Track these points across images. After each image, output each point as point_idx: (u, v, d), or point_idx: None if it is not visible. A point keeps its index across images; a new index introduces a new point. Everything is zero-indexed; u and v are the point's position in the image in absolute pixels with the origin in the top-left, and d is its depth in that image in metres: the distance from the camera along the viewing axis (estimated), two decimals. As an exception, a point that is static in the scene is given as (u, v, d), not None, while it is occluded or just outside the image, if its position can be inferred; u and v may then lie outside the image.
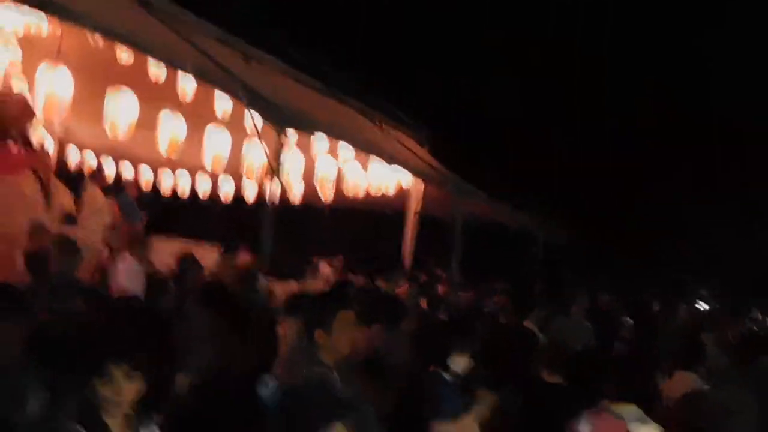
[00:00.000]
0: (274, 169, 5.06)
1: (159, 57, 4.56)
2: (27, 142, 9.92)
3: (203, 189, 12.53)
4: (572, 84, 14.59)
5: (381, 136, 8.21)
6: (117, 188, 10.24)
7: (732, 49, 15.31)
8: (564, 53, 14.67)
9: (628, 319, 8.20)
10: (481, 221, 11.08)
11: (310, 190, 10.48)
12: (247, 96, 4.79)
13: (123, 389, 2.10)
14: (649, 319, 8.67)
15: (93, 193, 9.11)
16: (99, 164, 11.66)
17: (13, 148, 9.67)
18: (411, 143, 10.10)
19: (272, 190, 5.12)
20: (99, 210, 8.89)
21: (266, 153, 5.09)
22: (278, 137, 5.10)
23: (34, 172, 8.66)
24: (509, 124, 14.61)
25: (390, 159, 7.76)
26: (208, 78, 4.81)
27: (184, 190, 12.71)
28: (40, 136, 12.09)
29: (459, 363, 3.85)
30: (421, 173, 8.37)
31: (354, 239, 12.44)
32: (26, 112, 9.38)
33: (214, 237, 10.53)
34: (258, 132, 4.99)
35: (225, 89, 4.89)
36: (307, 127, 5.42)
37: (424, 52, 14.26)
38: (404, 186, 10.57)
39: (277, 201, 5.08)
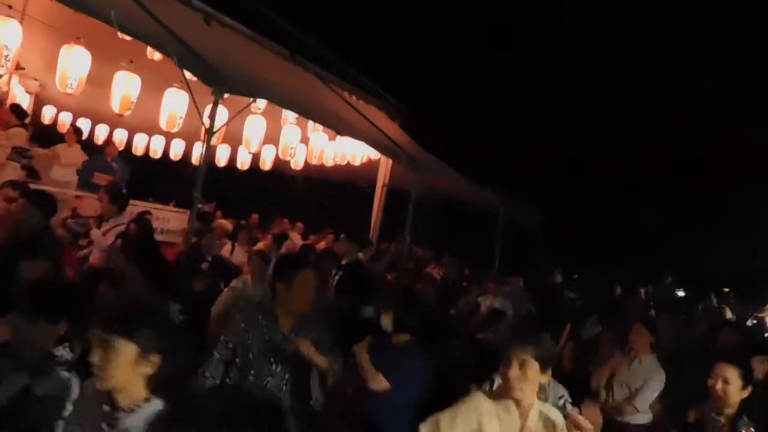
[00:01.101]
0: (207, 129, 4.82)
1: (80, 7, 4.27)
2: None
3: (175, 152, 12.37)
4: (557, 65, 14.23)
5: (342, 106, 7.94)
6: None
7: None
8: (550, 33, 14.27)
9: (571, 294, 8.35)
10: (449, 198, 10.94)
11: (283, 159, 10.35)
12: (179, 54, 4.54)
13: None
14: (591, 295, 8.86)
15: (73, 150, 8.95)
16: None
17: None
18: (379, 116, 9.85)
19: (204, 150, 4.87)
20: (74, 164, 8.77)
21: (200, 112, 4.85)
22: (216, 99, 4.86)
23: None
24: (492, 104, 14.31)
25: (345, 130, 7.50)
26: (137, 32, 4.56)
27: (156, 152, 12.55)
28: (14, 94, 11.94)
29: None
30: (380, 147, 8.12)
31: (323, 208, 12.28)
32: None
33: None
34: (190, 90, 4.78)
35: (156, 46, 4.64)
36: (246, 91, 5.17)
37: (407, 27, 13.88)
38: (373, 158, 10.44)
39: (210, 161, 4.94)
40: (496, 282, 8.64)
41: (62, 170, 8.40)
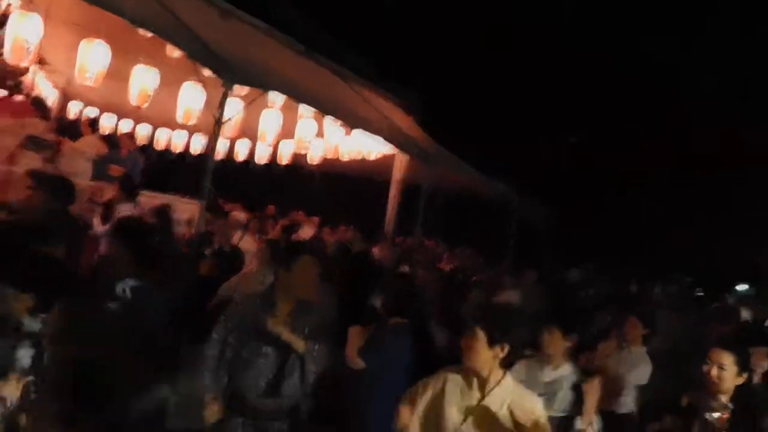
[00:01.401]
0: (216, 121, 4.90)
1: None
2: (20, 91, 10.02)
3: (195, 146, 12.52)
4: (561, 63, 14.17)
5: (357, 101, 8.00)
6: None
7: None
8: (562, 30, 14.21)
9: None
10: (464, 192, 10.96)
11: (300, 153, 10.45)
12: (189, 46, 4.62)
13: None
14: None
15: (87, 140, 9.17)
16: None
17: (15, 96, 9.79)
18: (395, 111, 9.89)
19: (212, 143, 4.96)
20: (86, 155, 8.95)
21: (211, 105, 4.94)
22: (225, 90, 4.94)
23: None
24: (508, 97, 14.25)
25: (357, 124, 7.55)
26: (150, 25, 4.64)
27: (177, 147, 12.71)
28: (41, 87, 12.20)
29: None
30: (393, 141, 8.15)
31: (340, 203, 12.35)
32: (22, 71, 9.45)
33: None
34: (202, 82, 4.87)
35: (168, 38, 4.72)
36: (256, 83, 5.25)
37: (423, 21, 13.88)
38: (389, 153, 10.47)
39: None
40: (509, 275, 8.68)
41: (75, 160, 8.57)
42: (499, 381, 2.60)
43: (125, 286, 3.41)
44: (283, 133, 9.25)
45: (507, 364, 2.67)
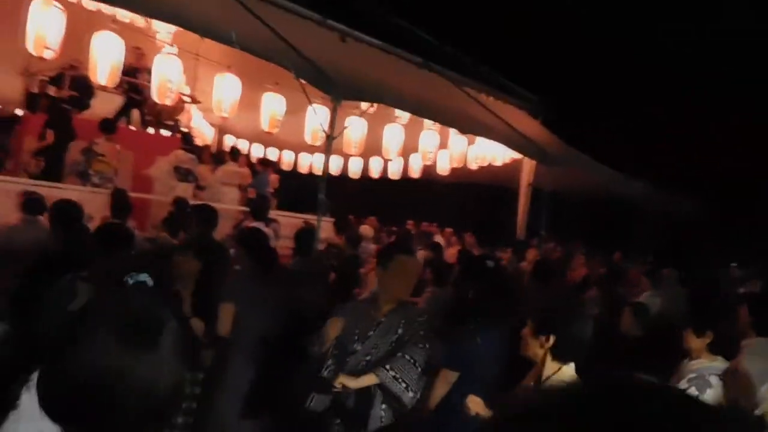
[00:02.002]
0: (328, 137, 5.07)
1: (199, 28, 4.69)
2: (177, 129, 11.00)
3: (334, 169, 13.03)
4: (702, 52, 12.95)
5: (478, 109, 7.92)
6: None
7: None
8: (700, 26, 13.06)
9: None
10: (598, 193, 10.41)
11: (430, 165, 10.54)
12: (296, 67, 4.84)
13: None
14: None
15: (229, 168, 9.85)
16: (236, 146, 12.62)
17: (166, 134, 10.79)
18: (519, 115, 9.68)
19: (326, 157, 5.12)
20: (232, 182, 9.65)
21: (323, 126, 5.12)
22: (334, 106, 5.10)
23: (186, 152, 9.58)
24: (637, 94, 13.34)
25: (476, 131, 7.48)
26: (255, 49, 4.92)
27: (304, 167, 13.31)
28: (198, 124, 13.31)
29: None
30: (518, 146, 7.96)
31: (470, 211, 12.22)
32: (178, 106, 10.40)
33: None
34: (309, 100, 5.07)
35: (274, 60, 4.97)
36: (365, 97, 5.38)
37: (545, 21, 13.38)
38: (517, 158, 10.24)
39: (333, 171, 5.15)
40: (648, 276, 8.09)
41: (221, 188, 9.23)
42: (554, 373, 2.48)
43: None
44: (413, 146, 9.42)
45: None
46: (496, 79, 9.87)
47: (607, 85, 12.87)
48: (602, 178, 9.58)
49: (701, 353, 3.70)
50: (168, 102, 7.25)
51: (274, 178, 11.27)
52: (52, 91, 8.83)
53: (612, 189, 9.82)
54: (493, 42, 11.75)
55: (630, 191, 9.60)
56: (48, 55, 5.80)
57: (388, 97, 5.82)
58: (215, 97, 7.32)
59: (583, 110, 12.08)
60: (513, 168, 10.67)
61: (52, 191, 6.79)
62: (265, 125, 7.79)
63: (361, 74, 6.23)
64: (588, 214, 11.20)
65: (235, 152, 10.25)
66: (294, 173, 13.56)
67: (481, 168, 10.80)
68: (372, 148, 9.59)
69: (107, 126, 7.72)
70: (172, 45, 6.79)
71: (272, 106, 7.66)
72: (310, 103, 5.35)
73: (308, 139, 7.67)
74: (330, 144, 5.14)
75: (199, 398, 3.86)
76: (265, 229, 6.87)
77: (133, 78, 9.74)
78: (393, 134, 8.46)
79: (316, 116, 7.63)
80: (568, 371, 2.45)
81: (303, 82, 4.99)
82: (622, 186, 9.51)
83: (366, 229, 8.95)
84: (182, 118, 11.46)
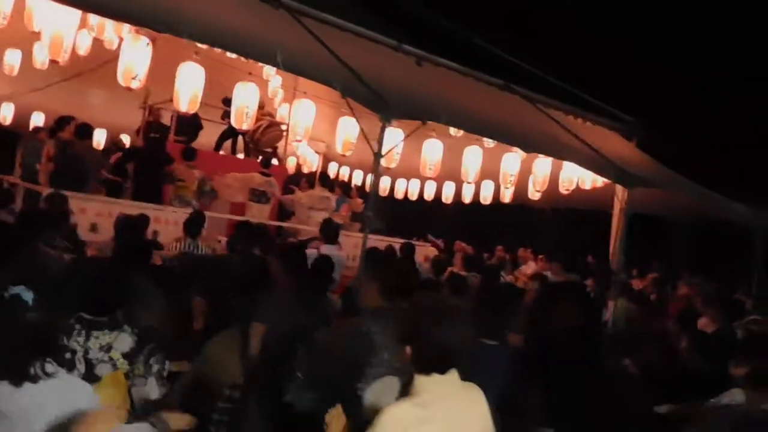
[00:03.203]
0: (375, 156, 4.91)
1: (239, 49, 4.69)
2: (276, 156, 11.32)
3: (427, 193, 12.83)
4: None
5: (557, 130, 7.44)
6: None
7: None
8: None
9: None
10: (701, 217, 9.45)
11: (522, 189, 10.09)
12: (342, 85, 4.74)
13: None
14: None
15: (315, 193, 9.99)
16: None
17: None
18: (610, 137, 9.03)
19: (376, 177, 4.96)
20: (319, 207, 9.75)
21: (368, 140, 4.97)
22: (383, 125, 4.94)
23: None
24: (735, 113, 11.96)
25: (556, 153, 7.02)
26: (297, 69, 4.87)
27: (412, 194, 13.16)
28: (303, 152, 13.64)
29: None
30: (595, 168, 7.38)
31: (562, 236, 11.51)
32: (276, 134, 10.73)
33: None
34: (354, 115, 4.96)
35: (320, 79, 4.90)
36: (420, 116, 5.17)
37: (639, 39, 12.44)
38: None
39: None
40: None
41: (313, 212, 9.31)
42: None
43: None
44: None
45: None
46: (585, 101, 9.30)
47: (709, 105, 11.75)
48: (704, 202, 8.69)
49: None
50: (245, 127, 7.44)
51: (358, 202, 11.30)
52: (158, 121, 9.43)
53: (715, 213, 8.86)
54: (585, 63, 11.12)
55: (734, 215, 8.61)
56: (135, 85, 6.13)
57: (446, 116, 5.56)
58: (291, 122, 7.44)
59: (685, 131, 11.06)
60: (606, 192, 9.95)
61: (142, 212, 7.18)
62: (339, 148, 7.79)
63: (422, 94, 6.03)
64: (691, 240, 10.20)
65: (324, 178, 10.39)
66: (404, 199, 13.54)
67: (575, 191, 10.18)
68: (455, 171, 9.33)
69: (187, 153, 8.07)
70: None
71: (346, 129, 7.66)
72: (357, 120, 5.22)
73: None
74: (378, 162, 4.96)
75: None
76: (337, 253, 6.82)
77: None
78: (472, 157, 8.16)
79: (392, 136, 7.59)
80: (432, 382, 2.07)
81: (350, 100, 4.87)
82: (726, 209, 8.55)
83: (431, 251, 8.73)
84: (282, 145, 11.80)
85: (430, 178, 10.15)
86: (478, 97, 7.52)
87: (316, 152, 13.96)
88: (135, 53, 6.00)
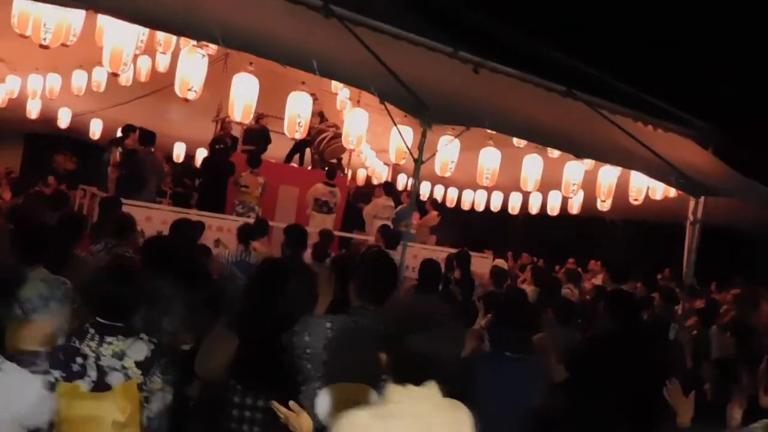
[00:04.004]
0: (415, 161, 4.69)
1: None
2: (341, 167, 11.29)
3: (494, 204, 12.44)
4: None
5: (620, 137, 6.95)
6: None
7: None
8: None
9: None
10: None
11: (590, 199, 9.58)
12: (380, 89, 4.56)
13: None
14: None
15: (380, 202, 9.90)
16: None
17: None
18: (683, 144, 8.37)
19: (416, 182, 4.73)
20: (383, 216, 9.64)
21: (406, 144, 4.76)
22: (424, 130, 4.73)
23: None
24: None
25: (618, 162, 6.54)
26: (334, 74, 4.71)
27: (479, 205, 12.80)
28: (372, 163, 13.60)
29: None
30: (660, 176, 6.83)
31: (630, 249, 10.80)
32: (340, 146, 10.71)
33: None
34: (394, 122, 4.76)
35: (355, 84, 4.73)
36: (463, 122, 4.91)
37: (714, 40, 11.47)
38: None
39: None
40: None
41: (376, 221, 9.19)
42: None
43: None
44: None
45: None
46: (657, 107, 8.68)
47: None
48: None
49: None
50: (298, 136, 7.40)
51: (433, 215, 11.09)
52: (225, 133, 9.61)
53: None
54: (659, 67, 10.42)
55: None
56: (191, 96, 6.20)
57: (491, 121, 5.26)
58: (344, 130, 7.34)
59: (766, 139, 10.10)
60: (681, 203, 9.25)
61: (207, 220, 7.27)
62: (392, 157, 7.61)
63: (471, 100, 5.76)
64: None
65: (388, 187, 10.25)
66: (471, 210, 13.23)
67: (648, 202, 9.54)
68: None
69: (252, 161, 8.10)
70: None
71: (399, 138, 7.46)
72: (395, 124, 5.03)
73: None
74: (418, 168, 4.74)
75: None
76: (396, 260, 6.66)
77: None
78: (531, 166, 7.76)
79: (447, 149, 7.34)
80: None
81: (389, 105, 4.68)
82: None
83: (500, 263, 8.37)
84: (349, 157, 11.78)
85: (487, 188, 9.79)
86: (536, 103, 7.14)
87: (385, 164, 13.89)
88: (190, 65, 6.07)
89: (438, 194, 13.62)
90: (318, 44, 4.88)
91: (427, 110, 4.67)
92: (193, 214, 7.86)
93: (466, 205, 13.21)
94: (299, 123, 6.96)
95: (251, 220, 7.42)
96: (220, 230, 8.06)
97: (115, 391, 2.87)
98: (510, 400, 3.03)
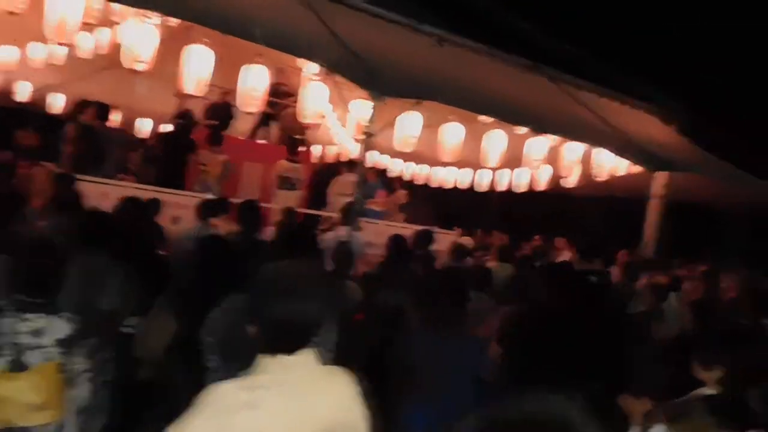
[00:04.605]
0: (366, 134, 4.57)
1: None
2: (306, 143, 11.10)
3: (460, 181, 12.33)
4: None
5: (584, 114, 6.89)
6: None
7: None
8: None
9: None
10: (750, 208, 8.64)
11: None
12: (329, 60, 4.42)
13: None
14: None
15: (344, 179, 9.73)
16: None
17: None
18: (649, 121, 8.36)
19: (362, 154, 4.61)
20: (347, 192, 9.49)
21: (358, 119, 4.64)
22: (375, 103, 4.60)
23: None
24: None
25: (581, 138, 6.48)
26: (280, 45, 4.56)
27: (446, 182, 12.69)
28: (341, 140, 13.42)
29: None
30: (625, 154, 6.79)
31: (596, 225, 10.82)
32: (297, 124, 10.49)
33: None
34: (342, 97, 4.64)
35: (305, 55, 4.59)
36: (416, 95, 4.79)
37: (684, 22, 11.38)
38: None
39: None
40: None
41: (341, 198, 9.05)
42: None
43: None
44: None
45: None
46: (627, 85, 8.63)
47: (757, 91, 10.63)
48: (753, 190, 7.92)
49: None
50: (253, 110, 7.22)
51: (401, 193, 10.98)
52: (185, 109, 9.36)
53: (763, 201, 8.07)
54: (631, 47, 10.31)
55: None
56: (140, 68, 5.98)
57: (446, 95, 5.14)
58: (300, 105, 7.19)
59: (732, 118, 10.07)
60: (648, 179, 9.25)
61: (165, 197, 7.10)
62: (353, 133, 7.48)
63: (429, 73, 5.63)
64: (744, 231, 9.39)
65: (352, 164, 10.13)
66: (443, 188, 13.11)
67: (617, 178, 9.52)
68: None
69: (212, 138, 7.92)
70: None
71: (357, 113, 7.35)
72: (344, 101, 4.90)
73: (398, 146, 7.19)
74: (368, 142, 4.62)
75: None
76: (355, 237, 6.56)
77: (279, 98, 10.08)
78: (493, 142, 7.67)
79: (407, 124, 7.21)
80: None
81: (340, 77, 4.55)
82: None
83: (466, 241, 8.31)
84: (316, 132, 11.56)
85: (457, 165, 9.69)
86: (501, 78, 7.05)
87: (356, 141, 13.71)
88: (136, 35, 5.84)
89: (409, 172, 13.49)
90: (265, 13, 4.70)
91: (377, 81, 4.54)
92: (152, 191, 7.67)
93: (437, 183, 13.09)
94: (254, 97, 6.77)
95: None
96: (178, 207, 7.88)
97: (32, 372, 2.74)
98: (442, 373, 3.05)
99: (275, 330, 1.70)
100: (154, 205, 6.23)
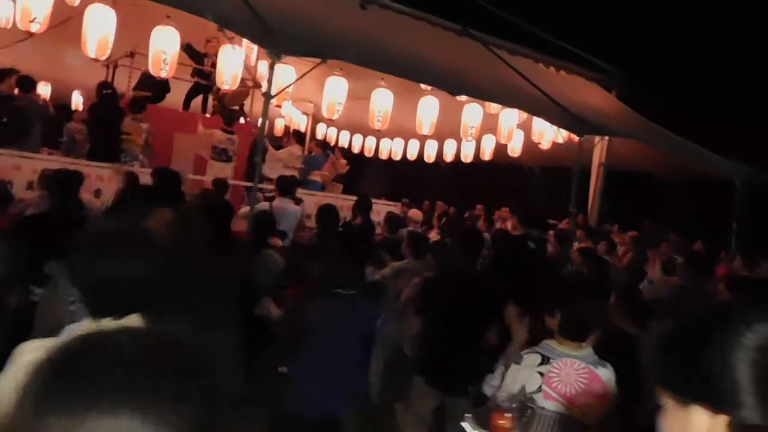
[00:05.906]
0: (265, 95, 4.24)
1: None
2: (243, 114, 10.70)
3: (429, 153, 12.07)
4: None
5: (516, 79, 6.63)
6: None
7: None
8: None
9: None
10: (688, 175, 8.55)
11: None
12: (220, 18, 4.07)
13: None
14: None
15: (290, 150, 9.43)
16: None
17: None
18: (589, 88, 8.16)
19: (262, 121, 4.29)
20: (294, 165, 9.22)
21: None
22: (272, 62, 4.27)
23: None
24: (720, 62, 10.69)
25: (510, 104, 6.23)
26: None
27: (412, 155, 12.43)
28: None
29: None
30: (558, 121, 6.57)
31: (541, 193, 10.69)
32: (242, 92, 10.08)
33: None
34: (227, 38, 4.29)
35: (192, 11, 4.23)
36: (313, 53, 4.47)
37: None
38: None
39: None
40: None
41: (274, 167, 8.74)
42: None
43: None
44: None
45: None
46: (567, 50, 8.39)
47: (697, 56, 10.47)
48: (692, 158, 7.80)
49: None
50: (164, 74, 6.81)
51: (342, 163, 10.69)
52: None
53: (703, 169, 7.96)
54: (574, 14, 10.07)
55: (722, 171, 7.72)
56: (35, 28, 5.54)
57: (352, 54, 4.83)
58: (217, 68, 6.81)
59: (670, 84, 9.91)
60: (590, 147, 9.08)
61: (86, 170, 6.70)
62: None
63: (333, 31, 5.30)
64: (678, 197, 9.33)
65: (298, 135, 9.81)
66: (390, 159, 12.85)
67: (560, 147, 9.34)
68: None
69: (134, 106, 7.51)
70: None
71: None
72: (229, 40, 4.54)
73: (326, 112, 6.86)
74: (267, 104, 4.30)
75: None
76: (291, 207, 6.31)
77: (201, 65, 9.57)
78: (427, 109, 7.39)
79: (335, 90, 6.88)
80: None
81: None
82: (707, 162, 7.67)
83: (415, 213, 8.09)
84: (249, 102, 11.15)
85: (403, 136, 9.42)
86: (429, 42, 6.74)
87: (304, 113, 13.34)
88: (30, -5, 5.40)
89: (357, 143, 13.21)
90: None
91: (273, 38, 4.21)
92: (75, 164, 7.25)
93: (383, 154, 12.83)
94: (164, 60, 6.36)
95: (135, 170, 6.87)
96: (100, 180, 7.48)
97: None
98: (341, 332, 3.08)
99: (93, 292, 1.53)
100: (76, 177, 5.85)
